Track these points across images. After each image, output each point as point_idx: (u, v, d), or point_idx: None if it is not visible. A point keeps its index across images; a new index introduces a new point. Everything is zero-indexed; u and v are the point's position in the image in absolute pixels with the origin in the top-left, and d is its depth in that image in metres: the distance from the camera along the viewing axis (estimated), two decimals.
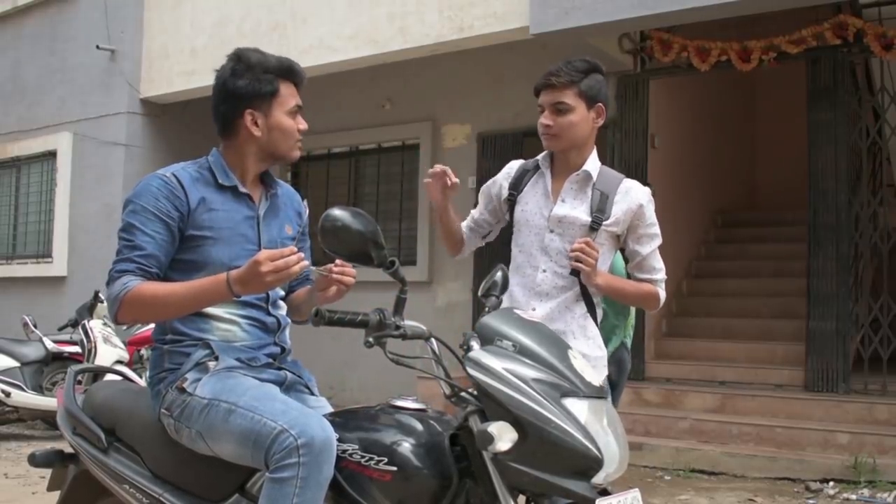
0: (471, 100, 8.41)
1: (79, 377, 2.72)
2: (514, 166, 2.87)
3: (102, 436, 2.41)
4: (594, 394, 1.96)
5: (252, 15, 8.28)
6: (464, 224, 2.96)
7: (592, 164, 2.74)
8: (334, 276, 2.18)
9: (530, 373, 1.91)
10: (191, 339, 2.25)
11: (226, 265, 2.18)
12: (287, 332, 2.42)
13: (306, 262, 2.07)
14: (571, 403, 1.90)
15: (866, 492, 5.27)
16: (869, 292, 7.21)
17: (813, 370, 6.78)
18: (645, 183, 8.34)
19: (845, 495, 5.24)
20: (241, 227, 2.31)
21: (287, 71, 2.32)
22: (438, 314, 8.16)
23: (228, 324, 2.27)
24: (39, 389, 6.81)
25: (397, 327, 1.98)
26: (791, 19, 6.79)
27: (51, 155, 9.91)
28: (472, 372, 1.92)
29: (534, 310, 2.65)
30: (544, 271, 2.68)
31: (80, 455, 2.51)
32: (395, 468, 1.98)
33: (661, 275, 2.76)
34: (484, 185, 2.94)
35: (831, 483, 5.47)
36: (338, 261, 2.16)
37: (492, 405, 1.89)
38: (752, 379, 7.19)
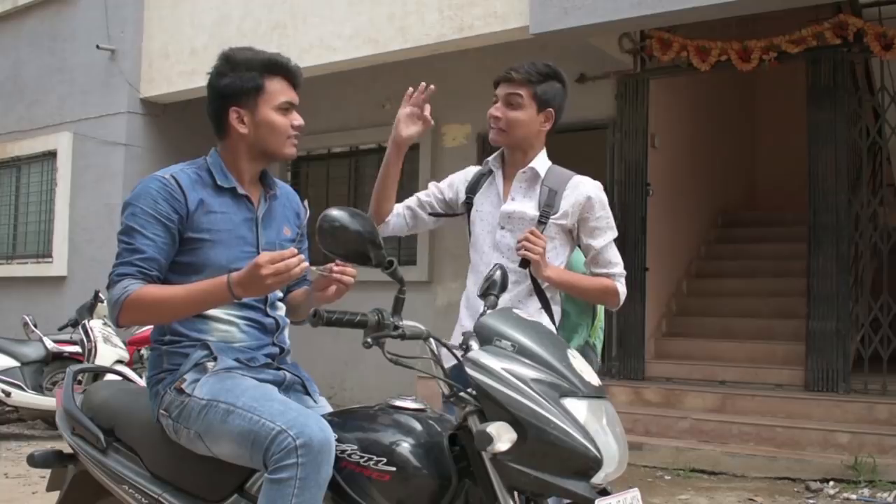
0: (471, 100, 8.38)
1: (78, 377, 2.71)
2: (470, 171, 2.93)
3: (101, 436, 2.41)
4: (593, 394, 1.96)
5: (252, 14, 8.28)
6: (401, 204, 2.93)
7: (540, 162, 2.78)
8: (335, 275, 2.17)
9: (529, 373, 1.91)
10: (189, 339, 2.24)
11: (224, 267, 2.18)
12: (286, 332, 2.41)
13: (306, 264, 2.06)
14: (571, 403, 1.90)
15: (866, 491, 5.26)
16: (869, 292, 7.21)
17: (813, 370, 6.78)
18: (645, 183, 8.28)
19: (845, 495, 5.24)
20: (240, 229, 2.29)
21: (273, 66, 2.29)
22: (438, 314, 8.15)
23: (227, 325, 2.26)
24: (39, 389, 6.80)
25: (396, 327, 1.97)
26: (791, 19, 6.79)
27: (51, 155, 9.90)
28: (470, 372, 1.92)
29: None
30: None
31: (78, 455, 2.51)
32: (394, 468, 1.98)
33: (618, 269, 2.75)
34: (440, 182, 2.96)
35: (831, 483, 5.47)
36: (338, 260, 2.15)
37: (491, 405, 1.89)
38: (752, 379, 7.19)
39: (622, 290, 2.75)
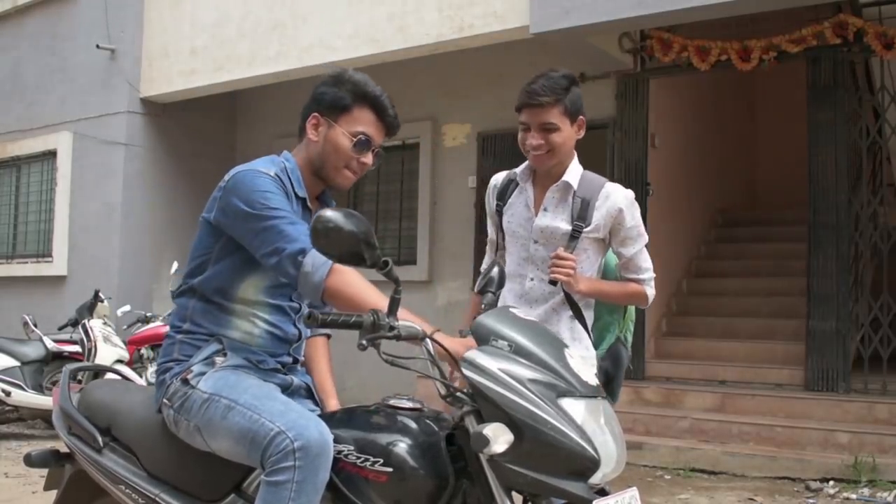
0: (471, 100, 8.40)
1: (78, 376, 2.71)
2: (499, 178, 2.93)
3: (98, 435, 2.40)
4: (591, 393, 1.95)
5: (252, 14, 8.28)
6: (491, 258, 2.97)
7: (572, 172, 2.78)
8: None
9: (526, 373, 1.90)
10: (206, 332, 2.25)
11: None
12: (303, 346, 2.42)
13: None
14: (568, 403, 1.89)
15: (866, 491, 5.26)
16: (869, 292, 7.20)
17: (813, 370, 6.77)
18: (645, 182, 8.21)
19: (845, 495, 5.24)
20: None
21: (369, 99, 2.26)
22: (439, 314, 8.15)
23: (248, 324, 2.26)
24: (39, 389, 6.80)
25: (391, 328, 1.95)
26: (791, 19, 6.78)
27: (51, 154, 9.91)
28: (467, 373, 1.91)
29: None
30: (531, 279, 2.76)
31: (75, 455, 2.50)
32: (391, 469, 1.97)
33: (647, 274, 2.83)
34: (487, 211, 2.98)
35: (831, 482, 5.47)
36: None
37: (487, 406, 1.88)
38: (752, 378, 7.18)
39: (650, 292, 2.85)
